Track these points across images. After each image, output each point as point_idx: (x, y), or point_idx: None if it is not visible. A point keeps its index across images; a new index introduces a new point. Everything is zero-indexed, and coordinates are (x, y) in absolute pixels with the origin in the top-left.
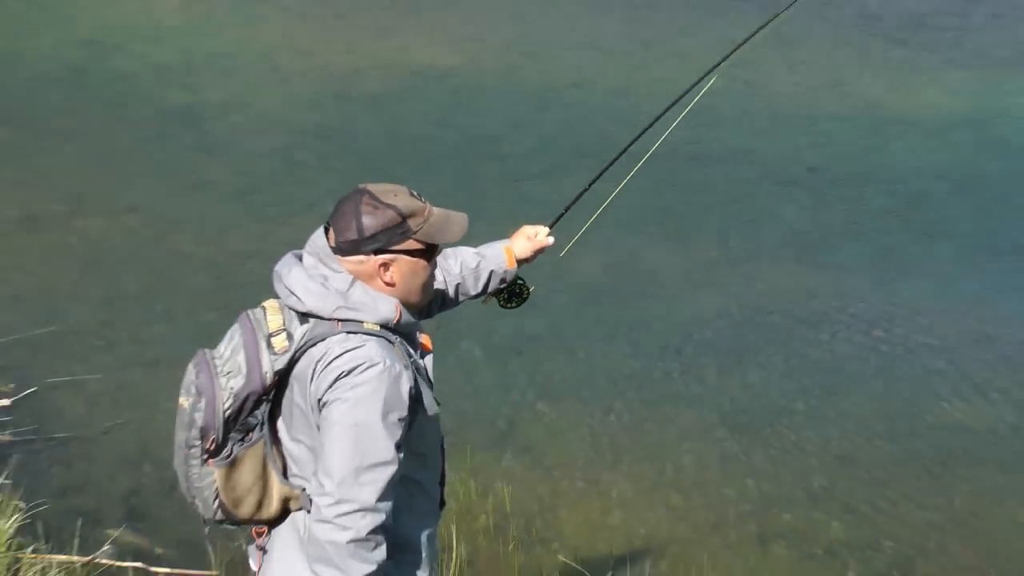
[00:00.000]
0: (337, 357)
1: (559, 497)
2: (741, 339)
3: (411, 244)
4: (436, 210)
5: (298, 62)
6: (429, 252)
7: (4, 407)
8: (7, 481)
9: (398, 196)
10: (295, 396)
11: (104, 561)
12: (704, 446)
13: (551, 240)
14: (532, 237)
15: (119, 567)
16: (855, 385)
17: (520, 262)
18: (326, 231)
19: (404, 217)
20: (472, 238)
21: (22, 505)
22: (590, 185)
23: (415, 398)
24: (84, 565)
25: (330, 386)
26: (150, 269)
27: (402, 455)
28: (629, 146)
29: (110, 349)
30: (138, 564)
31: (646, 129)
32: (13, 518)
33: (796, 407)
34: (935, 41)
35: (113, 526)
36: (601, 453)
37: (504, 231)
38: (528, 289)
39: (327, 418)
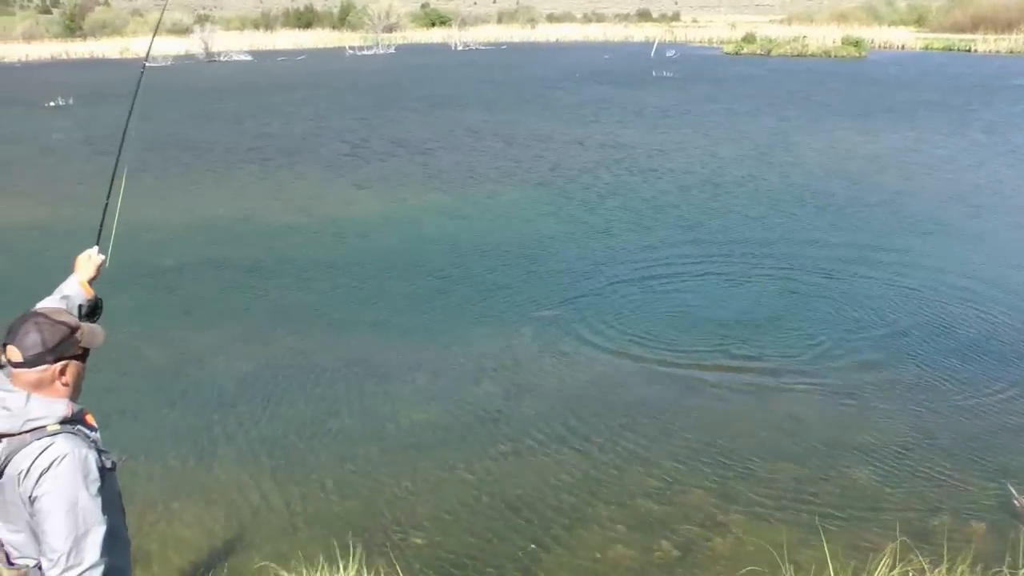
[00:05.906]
0: (36, 459)
1: None
2: None
3: (77, 350)
4: (84, 324)
5: None
6: (86, 355)
7: None
8: None
9: (63, 315)
10: (7, 496)
11: None
12: None
13: (102, 256)
14: (87, 260)
15: None
16: None
17: (91, 282)
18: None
19: (73, 330)
20: None
21: None
22: (108, 202)
23: (101, 469)
24: None
25: (36, 483)
26: None
27: (105, 514)
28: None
29: None
30: None
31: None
32: None
33: None
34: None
35: None
36: None
37: None
38: (102, 301)
39: (41, 509)
